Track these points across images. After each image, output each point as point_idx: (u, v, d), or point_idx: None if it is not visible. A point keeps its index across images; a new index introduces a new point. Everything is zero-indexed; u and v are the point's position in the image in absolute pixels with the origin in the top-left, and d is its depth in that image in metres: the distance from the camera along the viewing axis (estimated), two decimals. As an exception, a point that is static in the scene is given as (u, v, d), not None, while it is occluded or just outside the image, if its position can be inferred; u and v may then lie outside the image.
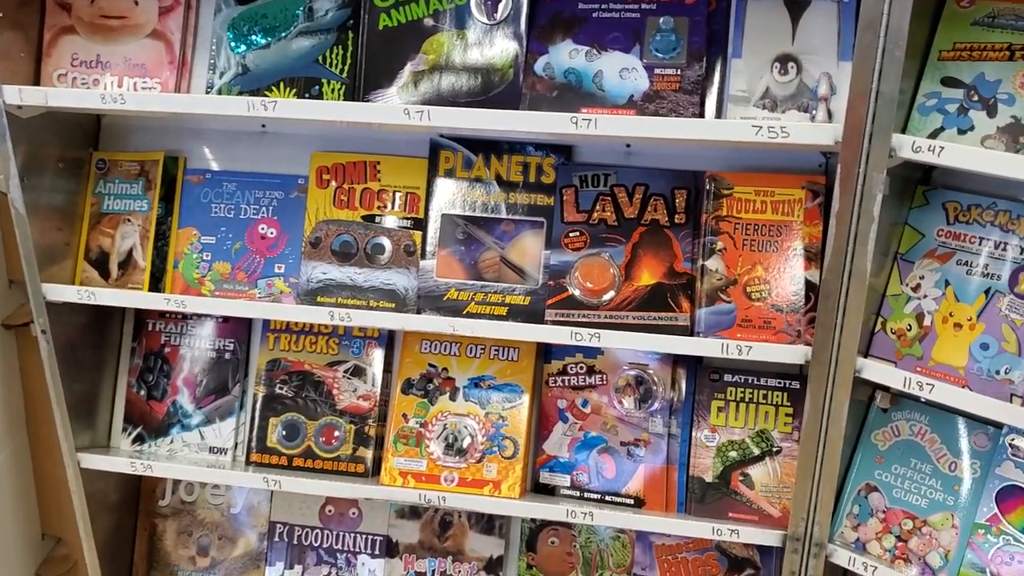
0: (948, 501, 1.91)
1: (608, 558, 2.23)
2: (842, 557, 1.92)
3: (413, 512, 2.28)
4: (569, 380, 2.15)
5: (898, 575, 1.89)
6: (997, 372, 1.78)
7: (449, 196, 2.11)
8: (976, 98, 1.75)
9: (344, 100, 2.03)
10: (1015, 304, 1.78)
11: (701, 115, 1.87)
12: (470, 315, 2.05)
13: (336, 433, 2.20)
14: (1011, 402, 1.75)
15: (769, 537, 1.97)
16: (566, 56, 1.93)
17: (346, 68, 2.04)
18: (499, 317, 2.06)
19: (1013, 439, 1.85)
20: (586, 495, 2.13)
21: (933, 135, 1.77)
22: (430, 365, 2.18)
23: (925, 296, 1.86)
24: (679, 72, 1.87)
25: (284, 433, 2.22)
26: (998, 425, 1.86)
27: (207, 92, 2.11)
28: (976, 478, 1.89)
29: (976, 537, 1.86)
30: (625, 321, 1.97)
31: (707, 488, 2.07)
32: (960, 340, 1.82)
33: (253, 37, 2.08)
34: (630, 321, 1.97)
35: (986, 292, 1.81)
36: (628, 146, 2.07)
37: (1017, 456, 1.84)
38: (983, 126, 1.74)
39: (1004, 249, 1.80)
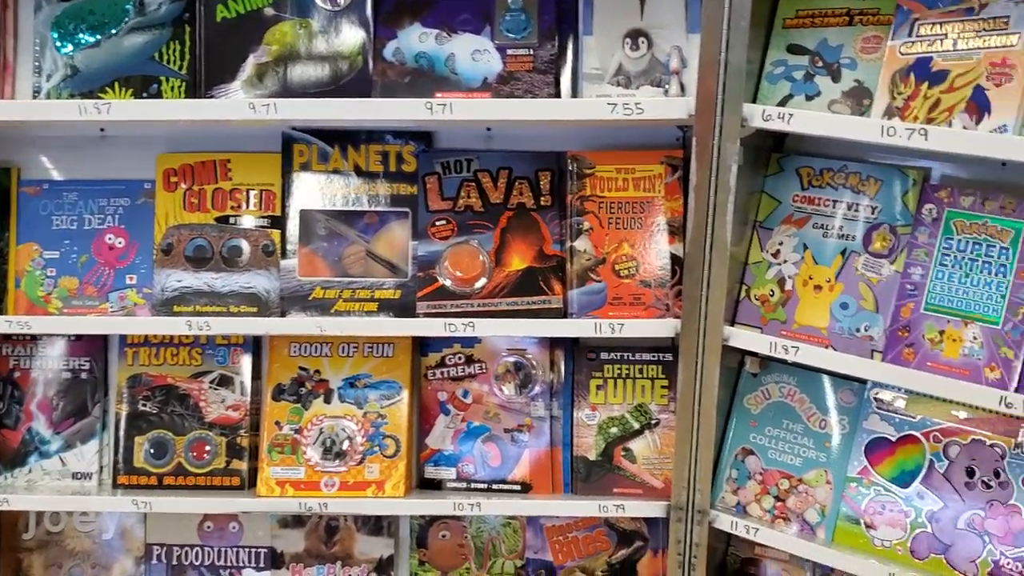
0: (821, 458, 1.98)
1: (500, 545, 2.23)
2: (724, 522, 1.97)
3: (296, 520, 2.22)
4: (448, 372, 2.13)
5: (779, 534, 1.95)
6: (857, 330, 1.85)
7: (307, 191, 2.05)
8: (821, 64, 1.80)
9: (185, 98, 1.95)
10: (870, 263, 1.85)
11: (557, 95, 1.87)
12: (338, 313, 2.00)
13: (207, 447, 2.12)
14: (872, 358, 1.81)
15: (653, 509, 2.01)
16: (416, 40, 1.90)
17: (185, 64, 1.95)
18: (369, 313, 2.01)
19: (877, 393, 1.93)
20: (473, 486, 2.12)
21: (782, 103, 1.81)
22: (301, 368, 2.12)
23: (785, 261, 1.92)
24: (532, 52, 1.85)
25: (152, 451, 2.13)
26: (863, 381, 1.93)
27: (34, 97, 1.98)
28: (845, 433, 1.96)
29: (849, 490, 1.94)
30: (498, 308, 1.96)
31: (591, 466, 2.09)
32: (821, 301, 1.88)
33: (80, 35, 1.96)
34: (503, 308, 1.96)
35: (842, 253, 1.87)
36: (489, 129, 2.05)
37: (882, 409, 1.92)
38: (829, 91, 1.79)
39: (856, 210, 1.87)
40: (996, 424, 1.82)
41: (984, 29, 1.62)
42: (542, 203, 1.98)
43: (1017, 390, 1.67)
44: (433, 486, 2.13)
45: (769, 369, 2.03)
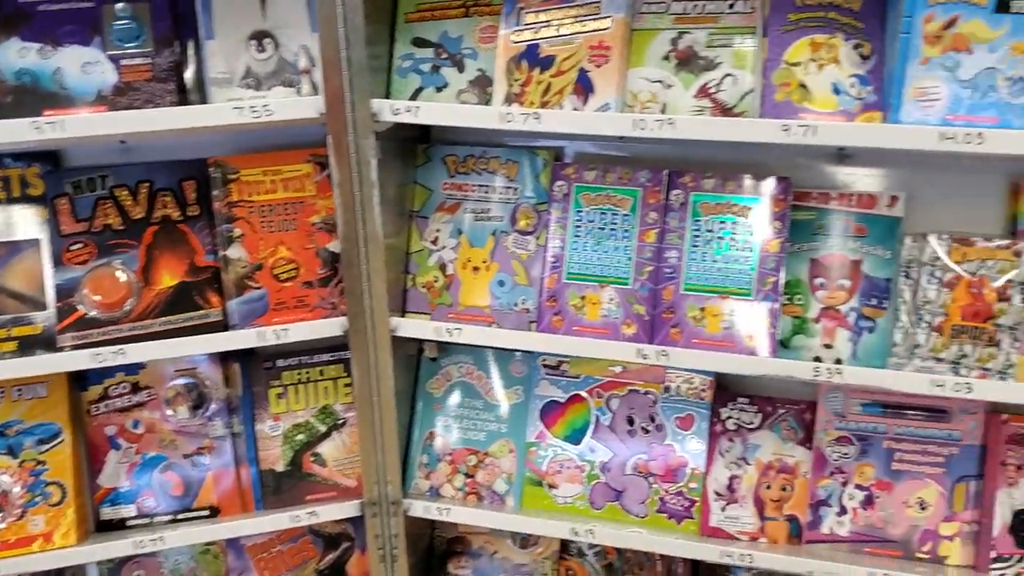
0: (503, 429, 2.09)
1: (202, 574, 2.16)
2: (418, 508, 2.03)
3: (-43, 593, 2.02)
4: (113, 403, 2.02)
5: (469, 510, 2.04)
6: (515, 304, 1.97)
7: (-80, 229, 1.86)
8: (445, 56, 1.88)
9: None
10: (519, 240, 1.97)
11: (183, 102, 1.81)
12: (-27, 358, 1.84)
13: None
14: (530, 329, 1.94)
15: (347, 509, 2.03)
16: (15, 56, 1.77)
17: None
18: (10, 354, 1.87)
19: (544, 360, 2.07)
20: (156, 519, 2.03)
21: (414, 96, 1.88)
22: (-63, 425, 1.93)
23: (444, 247, 2.00)
24: (150, 60, 1.79)
25: None
26: (531, 351, 2.06)
27: None
28: (521, 402, 2.09)
29: (530, 455, 2.07)
30: (152, 329, 1.89)
31: (281, 478, 2.07)
32: (480, 281, 1.98)
33: None
34: (158, 328, 1.89)
35: (493, 234, 1.98)
36: (123, 142, 1.96)
37: (550, 374, 2.06)
38: (456, 81, 1.88)
39: (501, 192, 1.98)
40: (646, 373, 2.01)
41: (581, 15, 1.77)
42: (189, 214, 1.93)
43: (651, 341, 1.85)
44: (114, 527, 2.02)
45: (448, 352, 2.12)
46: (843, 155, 1.86)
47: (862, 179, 1.87)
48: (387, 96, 1.87)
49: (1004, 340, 1.70)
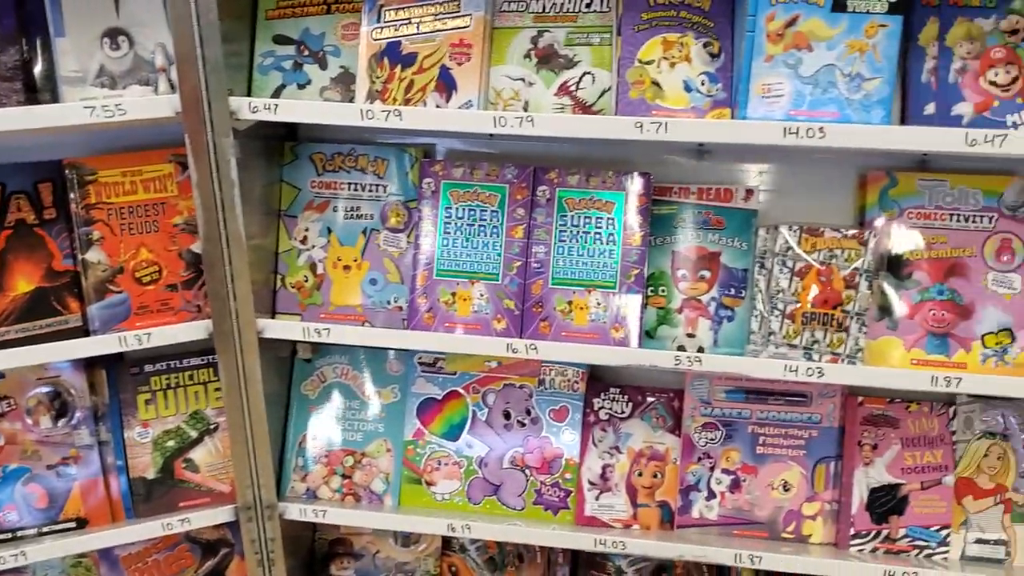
0: (380, 429, 2.10)
1: (74, 588, 2.11)
2: (294, 511, 2.02)
3: None
4: (-31, 415, 1.95)
5: (346, 511, 2.04)
6: (388, 303, 1.97)
7: None
8: (307, 53, 1.87)
9: None
10: (390, 238, 1.98)
11: (31, 101, 1.76)
12: None
13: None
14: (403, 327, 1.94)
15: (221, 515, 2.00)
16: None
17: None
18: None
19: (420, 357, 2.08)
20: (20, 534, 1.97)
21: (276, 93, 1.87)
22: None
23: (313, 247, 1.99)
24: (-6, 58, 1.74)
25: None
26: (407, 348, 2.07)
27: None
28: (398, 401, 2.09)
29: (408, 453, 2.08)
30: (8, 337, 1.83)
31: (152, 485, 2.03)
32: (351, 281, 1.98)
33: None
34: (14, 336, 1.84)
35: (364, 232, 1.98)
36: (-27, 144, 1.89)
37: (427, 372, 2.07)
38: (319, 78, 1.88)
39: (371, 190, 1.98)
40: (522, 367, 2.04)
41: (441, 12, 1.79)
42: (46, 217, 1.88)
43: (521, 335, 1.88)
44: (-26, 544, 1.95)
45: (322, 353, 2.11)
46: (702, 151, 1.93)
47: (720, 173, 1.94)
48: (248, 94, 1.85)
49: (852, 326, 1.79)
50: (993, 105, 1.67)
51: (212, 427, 2.05)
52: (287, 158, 1.99)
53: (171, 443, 2.03)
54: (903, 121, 1.71)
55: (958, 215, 1.82)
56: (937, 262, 1.83)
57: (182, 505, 2.03)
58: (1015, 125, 1.65)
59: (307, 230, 1.99)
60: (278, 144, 1.99)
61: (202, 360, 2.05)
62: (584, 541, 1.95)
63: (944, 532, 1.93)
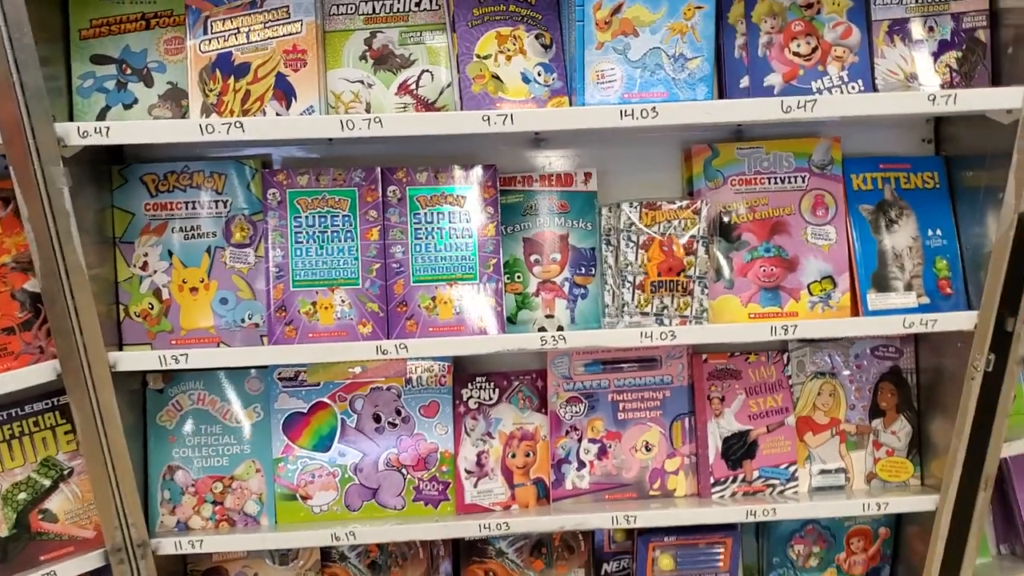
0: (246, 450, 2.06)
1: (-78, 671, 1.94)
2: (168, 546, 1.96)
3: None
4: None
5: (223, 538, 1.99)
6: (243, 320, 1.94)
7: None
8: (130, 71, 1.81)
9: None
10: (236, 255, 1.94)
11: None
12: None
13: None
14: (262, 343, 1.92)
15: (90, 561, 1.92)
16: None
17: None
18: None
19: (280, 373, 2.06)
20: None
21: (101, 115, 1.79)
22: None
23: (155, 271, 1.93)
24: None
25: None
26: (265, 366, 2.04)
27: None
28: (262, 420, 2.06)
29: (279, 471, 2.05)
30: None
31: (7, 543, 1.91)
32: (200, 302, 1.94)
33: None
34: None
35: (208, 251, 1.94)
36: None
37: (288, 387, 2.05)
38: (146, 97, 1.82)
39: (210, 207, 1.94)
40: (387, 369, 2.06)
41: (271, 20, 1.77)
42: None
43: (389, 336, 1.90)
44: None
45: (175, 381, 2.05)
46: (539, 139, 2.02)
47: (558, 160, 2.04)
48: (70, 119, 1.77)
49: (696, 289, 1.93)
50: (799, 74, 1.85)
51: (67, 472, 1.95)
52: (116, 182, 1.92)
53: (23, 495, 1.92)
54: (721, 95, 1.85)
55: (774, 177, 2.00)
56: (761, 223, 2.00)
57: (44, 559, 1.92)
58: (820, 91, 1.84)
59: (146, 255, 1.92)
60: (104, 168, 1.91)
61: (46, 404, 1.94)
62: (468, 528, 2.01)
63: (792, 468, 2.13)
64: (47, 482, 1.94)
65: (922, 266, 1.97)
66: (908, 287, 1.96)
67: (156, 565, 1.94)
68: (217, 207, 1.92)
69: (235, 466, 2.05)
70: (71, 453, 1.95)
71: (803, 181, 2.00)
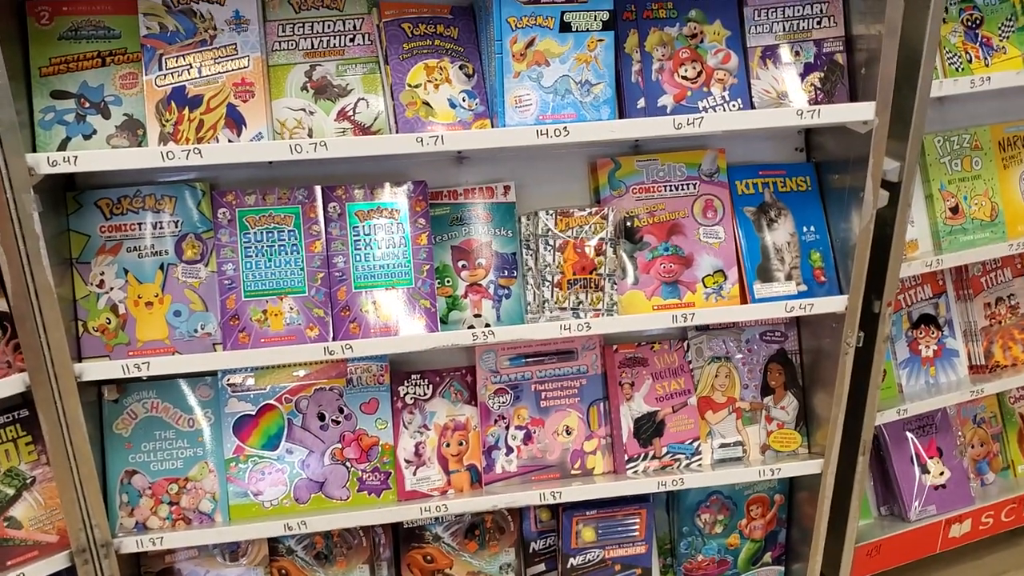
0: (199, 453, 2.27)
1: None
2: (130, 544, 2.15)
3: None
4: None
5: (184, 533, 2.20)
6: (196, 331, 2.16)
7: None
8: (88, 104, 2.02)
9: None
10: (188, 270, 2.16)
11: None
12: None
13: None
14: (215, 350, 2.15)
15: (56, 563, 2.09)
16: None
17: None
18: None
19: (228, 379, 2.29)
20: None
21: (62, 146, 2.00)
22: None
23: (112, 288, 2.13)
24: None
25: None
26: (214, 373, 2.27)
27: None
28: (213, 423, 2.28)
29: (231, 470, 2.27)
30: None
31: (-26, 552, 2.07)
32: (156, 316, 2.15)
33: None
34: None
35: (161, 268, 2.15)
36: None
37: (237, 392, 2.28)
38: (104, 128, 2.03)
39: (162, 227, 2.15)
40: (329, 371, 2.31)
41: (220, 56, 2.02)
42: None
43: (334, 339, 2.16)
44: None
45: (128, 391, 2.25)
46: (461, 157, 2.31)
47: (480, 175, 2.34)
48: (33, 150, 1.97)
49: (606, 285, 2.26)
50: (687, 95, 2.20)
51: (29, 481, 2.13)
52: (72, 207, 2.11)
53: (-11, 506, 2.09)
54: (621, 115, 2.19)
55: (669, 185, 2.35)
56: (660, 225, 2.34)
57: (11, 563, 2.09)
58: (706, 109, 2.19)
59: (103, 274, 2.12)
60: (60, 194, 2.10)
61: (7, 417, 2.12)
62: (410, 513, 2.28)
63: (696, 443, 2.47)
64: (11, 491, 2.11)
65: (799, 258, 2.35)
66: (788, 277, 2.33)
67: (120, 565, 2.13)
68: (169, 227, 2.14)
69: (189, 468, 2.26)
70: (33, 463, 2.13)
71: (694, 188, 2.35)
